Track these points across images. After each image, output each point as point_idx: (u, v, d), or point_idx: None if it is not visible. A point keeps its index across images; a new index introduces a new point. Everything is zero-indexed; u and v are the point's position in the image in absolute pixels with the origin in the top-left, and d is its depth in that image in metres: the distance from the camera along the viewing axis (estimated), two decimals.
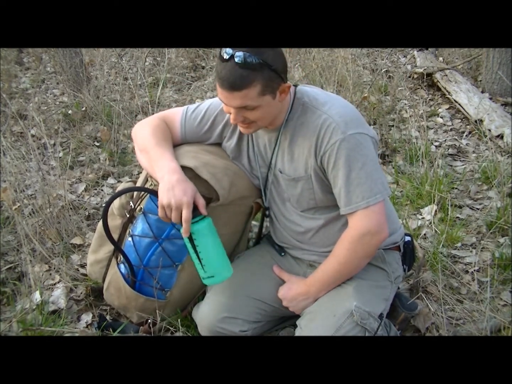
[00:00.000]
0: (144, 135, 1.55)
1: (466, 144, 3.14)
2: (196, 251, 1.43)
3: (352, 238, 1.45)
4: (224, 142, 1.63)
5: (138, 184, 1.66)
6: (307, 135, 1.45)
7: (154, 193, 1.49)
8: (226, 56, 1.31)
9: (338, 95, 1.60)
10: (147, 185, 1.60)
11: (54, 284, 1.95)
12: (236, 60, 1.29)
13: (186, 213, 1.37)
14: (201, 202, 1.41)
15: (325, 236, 1.57)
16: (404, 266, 1.66)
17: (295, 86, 1.52)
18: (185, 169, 1.51)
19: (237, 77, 1.30)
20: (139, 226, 1.62)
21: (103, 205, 2.20)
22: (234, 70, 1.30)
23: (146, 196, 1.60)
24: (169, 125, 1.61)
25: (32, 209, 2.27)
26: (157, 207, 1.48)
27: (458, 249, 2.15)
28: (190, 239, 1.42)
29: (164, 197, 1.39)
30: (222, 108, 1.59)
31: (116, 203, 1.66)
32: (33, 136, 2.91)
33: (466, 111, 3.43)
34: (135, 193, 1.64)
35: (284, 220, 1.62)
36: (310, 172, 1.47)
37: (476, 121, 3.24)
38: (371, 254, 1.49)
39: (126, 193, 1.63)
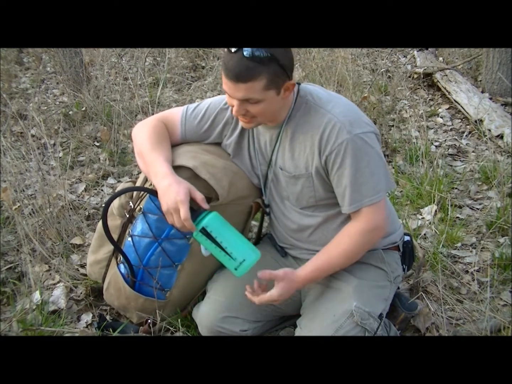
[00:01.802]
0: (141, 138, 1.56)
1: (466, 144, 3.15)
2: (217, 243, 1.38)
3: (363, 232, 1.45)
4: (224, 140, 1.63)
5: (138, 184, 1.66)
6: (309, 133, 1.44)
7: (153, 193, 1.49)
8: (233, 49, 1.31)
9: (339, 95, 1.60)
10: (147, 185, 1.60)
11: (54, 284, 1.96)
12: (244, 53, 1.29)
13: (183, 212, 1.36)
14: (199, 197, 1.40)
15: (323, 234, 1.56)
16: (404, 265, 1.66)
17: (298, 84, 1.52)
18: (184, 169, 1.51)
19: (243, 68, 1.30)
20: (139, 226, 1.62)
21: (103, 205, 2.20)
22: (241, 62, 1.30)
23: (145, 196, 1.60)
24: (169, 125, 1.61)
25: (32, 209, 2.27)
26: (157, 207, 1.48)
27: (458, 249, 2.16)
28: (208, 235, 1.38)
29: (162, 205, 1.41)
30: (222, 107, 1.60)
31: (116, 203, 1.66)
32: (33, 136, 2.91)
33: (466, 111, 3.43)
34: (135, 193, 1.64)
35: (283, 218, 1.62)
36: (311, 170, 1.47)
37: (476, 121, 3.24)
38: (369, 247, 1.52)
39: (125, 193, 1.64)
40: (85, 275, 1.95)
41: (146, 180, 1.62)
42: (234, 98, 1.37)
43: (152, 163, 1.48)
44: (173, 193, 1.38)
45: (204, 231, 1.38)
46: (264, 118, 1.43)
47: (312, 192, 1.50)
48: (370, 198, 1.42)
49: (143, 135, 1.56)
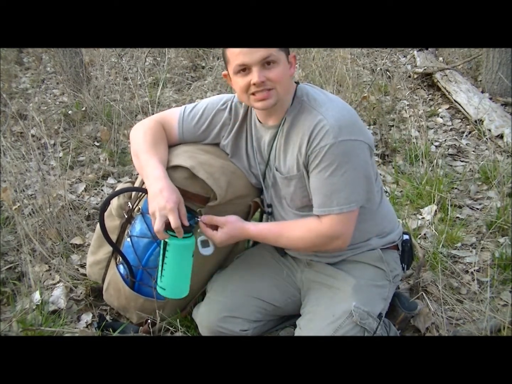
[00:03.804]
0: (137, 139, 1.56)
1: (466, 144, 3.15)
2: (163, 261, 1.45)
3: (321, 234, 1.45)
4: (222, 140, 1.63)
5: (137, 184, 1.66)
6: (300, 134, 1.44)
7: None
8: None
9: (338, 96, 1.59)
10: (145, 186, 1.60)
11: (54, 284, 1.95)
12: None
13: (173, 221, 1.37)
14: (183, 212, 1.41)
15: None
16: (403, 264, 1.65)
17: (297, 83, 1.52)
18: (182, 169, 1.51)
19: None
20: (138, 226, 1.62)
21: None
22: None
23: (144, 196, 1.59)
24: (167, 126, 1.61)
25: (32, 209, 2.27)
26: None
27: (458, 249, 2.15)
28: (164, 247, 1.43)
29: (149, 206, 1.42)
30: (220, 107, 1.60)
31: (114, 204, 1.66)
32: (33, 136, 2.91)
33: (466, 111, 3.43)
34: (133, 193, 1.64)
35: (281, 218, 1.62)
36: (302, 170, 1.47)
37: (476, 121, 3.24)
38: (319, 251, 1.55)
39: (124, 194, 1.63)
40: (85, 275, 1.95)
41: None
42: (252, 63, 1.36)
43: (146, 165, 1.48)
44: (163, 199, 1.38)
45: (164, 245, 1.43)
46: (282, 87, 1.42)
47: (305, 192, 1.50)
48: (341, 207, 1.41)
49: (139, 136, 1.56)
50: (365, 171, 1.45)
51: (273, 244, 1.59)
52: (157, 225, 1.38)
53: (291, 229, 1.51)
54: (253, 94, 1.41)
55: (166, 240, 1.42)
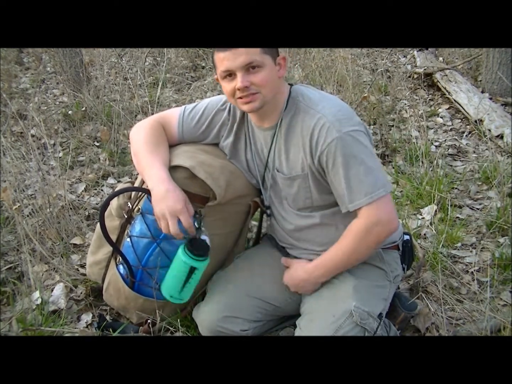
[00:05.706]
0: (138, 139, 1.56)
1: (466, 144, 3.15)
2: (186, 281, 1.48)
3: (360, 228, 1.44)
4: (221, 141, 1.63)
5: (136, 184, 1.66)
6: (301, 134, 1.45)
7: (151, 194, 1.49)
8: None
9: (338, 96, 1.60)
10: (145, 186, 1.60)
11: (54, 284, 1.95)
12: None
13: (185, 221, 1.40)
14: (191, 212, 1.44)
15: (322, 233, 1.56)
16: (403, 265, 1.65)
17: (291, 85, 1.53)
18: (181, 168, 1.51)
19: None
20: (137, 226, 1.62)
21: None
22: None
23: (143, 196, 1.59)
24: (167, 126, 1.61)
25: (32, 209, 2.27)
26: None
27: (458, 249, 2.15)
28: (191, 271, 1.46)
29: (156, 208, 1.42)
30: (219, 108, 1.60)
31: (114, 204, 1.66)
32: (33, 136, 2.91)
33: (466, 111, 3.43)
34: (133, 193, 1.64)
35: (281, 219, 1.62)
36: (306, 170, 1.47)
37: (476, 121, 3.24)
38: (379, 244, 1.49)
39: (123, 194, 1.63)
40: (85, 275, 1.95)
41: (144, 180, 1.62)
42: (236, 68, 1.37)
43: (149, 166, 1.49)
44: (171, 200, 1.40)
45: (192, 269, 1.46)
46: (267, 90, 1.42)
47: (309, 193, 1.50)
48: (370, 196, 1.40)
49: (140, 136, 1.56)
50: (376, 157, 1.47)
51: (342, 269, 1.54)
52: (173, 227, 1.41)
53: (337, 245, 1.49)
54: (239, 98, 1.42)
55: (195, 266, 1.44)
